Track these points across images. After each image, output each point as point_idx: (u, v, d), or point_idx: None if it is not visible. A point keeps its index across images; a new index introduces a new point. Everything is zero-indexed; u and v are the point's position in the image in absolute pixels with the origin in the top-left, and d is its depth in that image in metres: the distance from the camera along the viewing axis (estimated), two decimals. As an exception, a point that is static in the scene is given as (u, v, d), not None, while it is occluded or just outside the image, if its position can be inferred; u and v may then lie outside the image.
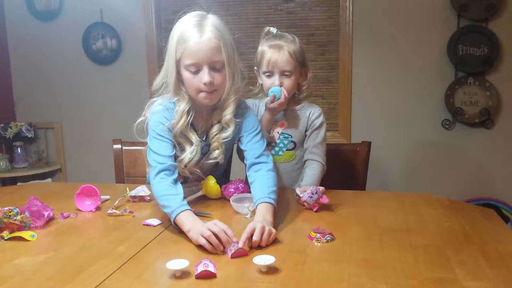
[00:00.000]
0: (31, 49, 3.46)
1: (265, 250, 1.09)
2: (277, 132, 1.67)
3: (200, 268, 0.96)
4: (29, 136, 3.34)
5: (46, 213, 1.31)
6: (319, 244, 1.13)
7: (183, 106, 1.38)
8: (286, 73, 1.60)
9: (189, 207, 1.23)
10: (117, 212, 1.39)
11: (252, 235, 1.10)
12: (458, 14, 2.82)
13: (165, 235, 1.23)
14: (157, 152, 1.34)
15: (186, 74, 1.35)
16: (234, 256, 1.06)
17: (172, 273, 0.97)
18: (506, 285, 0.91)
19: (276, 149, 1.67)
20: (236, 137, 1.49)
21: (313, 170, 1.61)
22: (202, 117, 1.45)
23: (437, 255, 1.06)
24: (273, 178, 1.38)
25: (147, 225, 1.30)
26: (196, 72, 1.33)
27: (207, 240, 1.09)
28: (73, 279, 0.96)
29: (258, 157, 1.43)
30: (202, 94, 1.36)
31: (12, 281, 0.97)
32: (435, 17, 2.88)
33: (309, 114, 1.67)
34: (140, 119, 1.45)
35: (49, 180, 3.43)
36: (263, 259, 0.99)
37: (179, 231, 1.23)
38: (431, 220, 1.30)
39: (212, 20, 1.35)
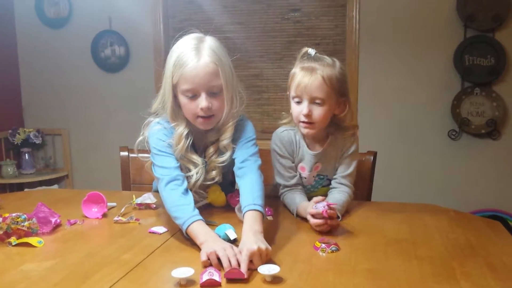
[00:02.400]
0: (40, 56, 3.50)
1: (270, 259, 1.09)
2: (312, 176, 1.53)
3: (205, 277, 0.96)
4: (37, 142, 3.38)
5: (53, 220, 1.32)
6: (324, 254, 1.13)
7: (181, 129, 1.36)
8: (318, 101, 1.39)
9: (200, 217, 1.21)
10: (123, 219, 1.40)
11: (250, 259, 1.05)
12: (465, 25, 2.82)
13: (170, 243, 1.23)
14: (162, 166, 1.33)
15: (183, 99, 1.32)
16: (229, 276, 0.98)
17: (177, 281, 0.97)
18: (511, 298, 0.90)
19: (312, 189, 1.55)
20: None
21: (340, 194, 1.46)
22: (200, 137, 1.43)
23: (442, 266, 1.06)
24: (257, 182, 1.32)
25: (153, 232, 1.31)
26: (193, 97, 1.30)
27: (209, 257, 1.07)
28: (79, 286, 0.97)
29: (243, 162, 1.37)
30: (199, 120, 1.33)
31: (18, 287, 0.98)
32: (441, 27, 2.89)
33: (341, 145, 1.50)
34: (139, 138, 1.44)
35: (55, 186, 3.45)
36: (268, 268, 0.99)
37: (185, 240, 1.24)
38: (437, 231, 1.30)
39: (209, 43, 1.31)
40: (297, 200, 1.45)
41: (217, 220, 1.41)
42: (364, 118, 3.05)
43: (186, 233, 1.20)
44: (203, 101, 1.29)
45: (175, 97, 1.34)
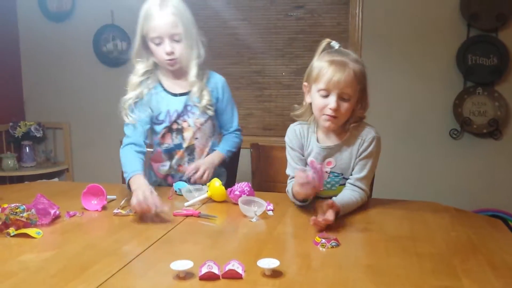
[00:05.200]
0: (42, 49, 3.50)
1: (270, 253, 1.09)
2: (325, 172, 1.49)
3: (204, 270, 0.95)
4: (38, 135, 3.37)
5: (52, 211, 1.32)
6: (324, 249, 1.13)
7: (140, 66, 1.72)
8: (345, 96, 1.39)
9: (140, 172, 1.52)
10: (123, 212, 1.40)
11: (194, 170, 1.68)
12: (468, 24, 2.81)
13: (169, 236, 1.23)
14: (126, 135, 1.73)
15: (152, 46, 1.66)
16: (226, 276, 0.97)
17: (176, 273, 0.97)
18: (512, 295, 0.90)
19: (328, 186, 1.51)
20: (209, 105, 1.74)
21: (354, 197, 1.42)
22: (172, 76, 1.75)
23: (443, 263, 1.05)
24: (236, 143, 1.83)
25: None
26: (160, 44, 1.63)
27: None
28: (77, 277, 0.97)
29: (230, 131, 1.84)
30: (166, 62, 1.67)
31: (17, 277, 0.97)
32: (444, 26, 2.88)
33: (359, 144, 1.46)
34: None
35: (56, 179, 3.45)
36: (268, 262, 0.99)
37: (183, 233, 1.23)
38: (438, 229, 1.29)
39: (172, 0, 1.63)
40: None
41: (218, 214, 1.40)
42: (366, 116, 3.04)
43: (128, 185, 1.50)
44: (167, 46, 1.63)
45: (144, 44, 1.68)
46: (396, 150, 2.97)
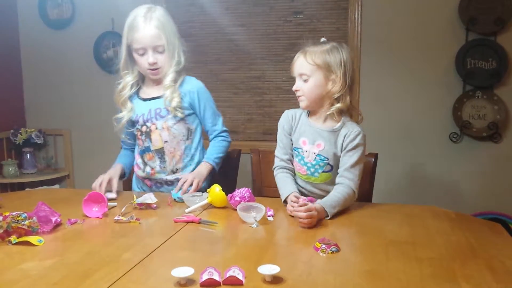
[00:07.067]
0: (43, 57, 3.51)
1: (270, 259, 1.09)
2: (313, 153, 1.57)
3: (205, 276, 0.96)
4: (39, 142, 3.38)
5: (53, 219, 1.32)
6: (324, 255, 1.13)
7: (129, 79, 1.78)
8: (304, 77, 1.54)
9: (118, 162, 1.85)
10: (124, 219, 1.40)
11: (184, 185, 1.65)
12: (467, 28, 2.82)
13: (170, 243, 1.24)
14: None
15: (136, 56, 1.72)
16: (227, 283, 0.97)
17: (177, 280, 0.97)
18: (512, 300, 0.90)
19: (312, 170, 1.58)
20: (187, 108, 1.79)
21: (338, 192, 1.49)
22: (152, 82, 1.81)
23: (443, 268, 1.05)
24: (223, 147, 1.82)
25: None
26: (143, 54, 1.70)
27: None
28: (79, 285, 0.97)
29: (213, 126, 1.84)
30: (149, 71, 1.74)
31: (18, 286, 0.98)
32: (443, 30, 2.89)
33: (345, 136, 1.55)
34: None
35: (57, 186, 3.46)
36: (268, 268, 0.99)
37: (184, 240, 1.23)
38: (437, 233, 1.30)
39: (156, 13, 1.71)
40: (289, 188, 1.56)
41: (218, 220, 1.41)
42: (366, 121, 3.04)
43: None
44: (150, 57, 1.70)
45: (129, 53, 1.74)
46: (395, 153, 2.98)
